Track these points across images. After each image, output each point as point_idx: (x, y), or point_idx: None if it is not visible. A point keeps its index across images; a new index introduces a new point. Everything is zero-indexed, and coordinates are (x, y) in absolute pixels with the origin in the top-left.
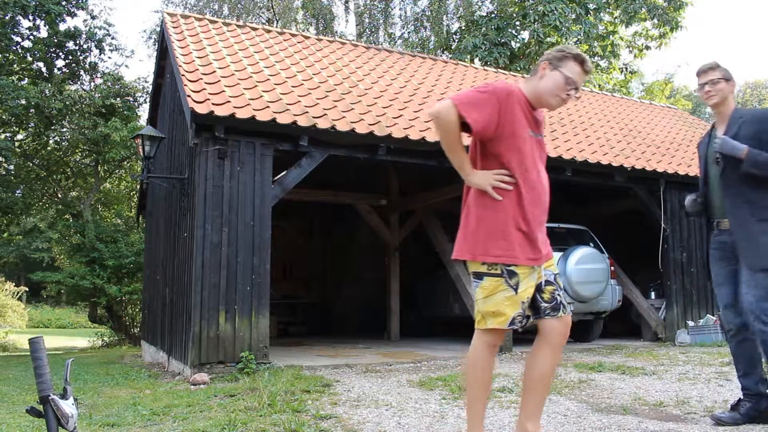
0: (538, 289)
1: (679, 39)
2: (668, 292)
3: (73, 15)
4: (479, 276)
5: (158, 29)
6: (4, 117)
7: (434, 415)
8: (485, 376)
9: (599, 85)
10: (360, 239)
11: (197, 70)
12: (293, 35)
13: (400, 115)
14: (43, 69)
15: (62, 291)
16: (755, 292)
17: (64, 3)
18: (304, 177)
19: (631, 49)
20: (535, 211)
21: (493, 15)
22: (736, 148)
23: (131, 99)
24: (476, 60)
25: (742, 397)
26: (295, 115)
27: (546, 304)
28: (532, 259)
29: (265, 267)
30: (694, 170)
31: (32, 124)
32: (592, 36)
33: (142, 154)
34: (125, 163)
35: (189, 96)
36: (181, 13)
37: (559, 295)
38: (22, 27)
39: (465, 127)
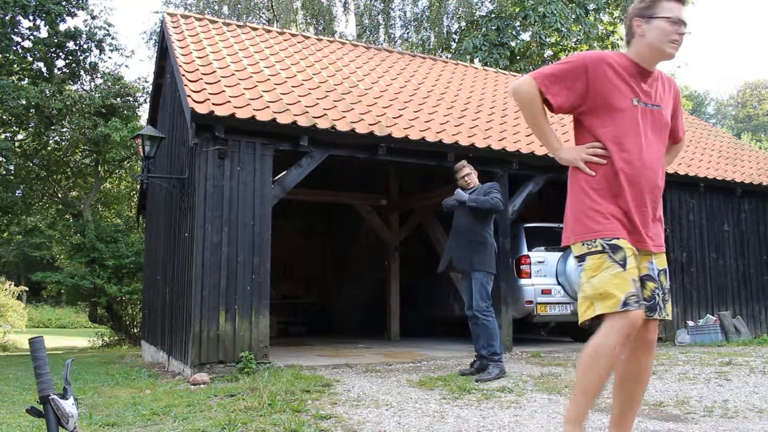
0: (640, 282)
1: None
2: None
3: (73, 15)
4: (581, 258)
5: (158, 30)
6: (4, 117)
7: (434, 415)
8: (608, 373)
9: None
10: (360, 239)
11: (197, 70)
12: (293, 35)
13: (400, 115)
14: (44, 69)
15: (62, 291)
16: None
17: (64, 3)
18: (304, 177)
19: None
20: (633, 190)
21: (493, 15)
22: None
23: (131, 99)
24: (476, 60)
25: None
26: (295, 115)
27: (644, 302)
28: (633, 241)
29: (265, 267)
30: (694, 170)
31: (32, 124)
32: (592, 36)
33: (142, 154)
34: (125, 163)
35: (189, 96)
36: (181, 14)
37: (658, 294)
38: (22, 27)
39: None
